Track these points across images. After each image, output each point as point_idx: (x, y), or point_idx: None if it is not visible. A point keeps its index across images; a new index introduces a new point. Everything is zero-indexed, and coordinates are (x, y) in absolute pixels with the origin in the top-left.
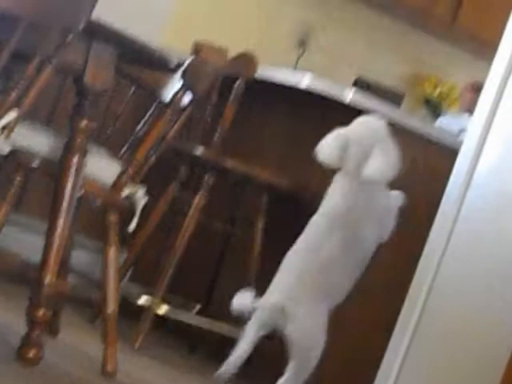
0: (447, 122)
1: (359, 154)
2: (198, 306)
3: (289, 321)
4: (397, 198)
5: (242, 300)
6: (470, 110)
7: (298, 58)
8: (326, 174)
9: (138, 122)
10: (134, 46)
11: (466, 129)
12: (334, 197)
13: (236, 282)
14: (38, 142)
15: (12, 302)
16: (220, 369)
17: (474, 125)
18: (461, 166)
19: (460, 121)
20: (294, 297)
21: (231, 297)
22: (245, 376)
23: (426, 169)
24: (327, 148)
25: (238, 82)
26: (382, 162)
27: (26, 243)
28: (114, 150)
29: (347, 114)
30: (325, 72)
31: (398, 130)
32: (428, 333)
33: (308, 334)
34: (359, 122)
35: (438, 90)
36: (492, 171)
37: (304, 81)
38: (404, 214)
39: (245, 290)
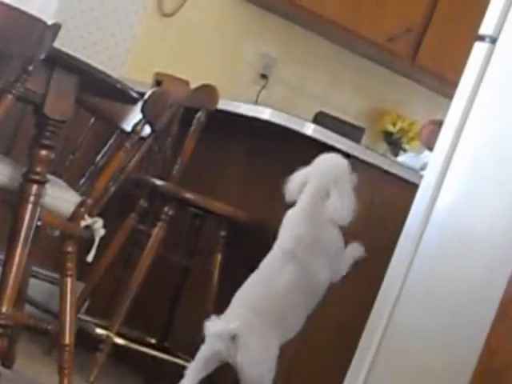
0: (409, 160)
1: (316, 190)
2: (154, 340)
3: (240, 350)
4: (355, 249)
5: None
6: (429, 146)
7: (260, 92)
8: (286, 208)
9: (98, 153)
10: (95, 77)
11: (426, 166)
12: (287, 231)
13: (194, 315)
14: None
15: None
16: None
17: (433, 161)
18: (420, 203)
19: (421, 158)
20: (246, 327)
21: (188, 329)
22: None
23: (385, 204)
24: (291, 184)
25: (199, 114)
26: (342, 203)
27: None
28: (73, 180)
29: (308, 147)
30: (286, 106)
31: (358, 165)
32: (383, 375)
33: (259, 365)
34: (322, 159)
35: (398, 126)
36: (451, 209)
37: (265, 114)
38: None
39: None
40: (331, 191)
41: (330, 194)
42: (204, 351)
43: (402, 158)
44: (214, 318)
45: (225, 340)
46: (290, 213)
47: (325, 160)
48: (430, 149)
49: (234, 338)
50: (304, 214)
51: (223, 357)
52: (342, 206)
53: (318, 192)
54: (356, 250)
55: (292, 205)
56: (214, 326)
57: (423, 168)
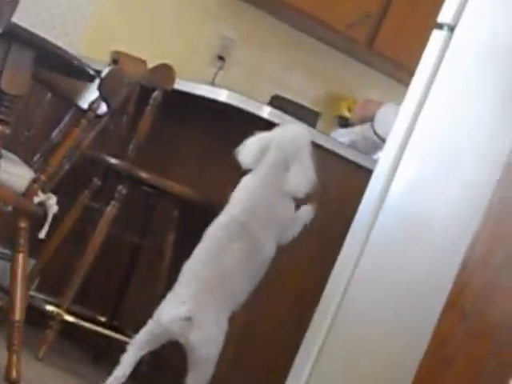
0: (340, 135)
1: (277, 159)
2: (104, 318)
3: (194, 330)
4: (307, 211)
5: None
6: (362, 119)
7: (216, 73)
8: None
9: (53, 130)
10: (52, 52)
11: (354, 141)
12: (237, 199)
13: (145, 295)
14: None
15: None
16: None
17: (388, 147)
18: (373, 189)
19: (350, 135)
20: (198, 307)
21: (139, 309)
22: None
23: (339, 189)
24: (247, 148)
25: (155, 93)
26: (302, 176)
27: None
28: (27, 156)
29: (264, 129)
30: (242, 88)
31: (312, 149)
32: (332, 359)
33: (211, 343)
34: (284, 129)
35: (353, 111)
36: (404, 195)
37: (221, 96)
38: (315, 234)
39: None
40: (291, 162)
41: (290, 165)
42: (152, 327)
43: (334, 132)
44: (163, 302)
45: (178, 321)
46: (246, 181)
47: (287, 130)
48: (363, 121)
49: (186, 319)
50: (261, 183)
51: (174, 336)
52: (302, 177)
53: (277, 162)
54: (307, 214)
55: (245, 167)
56: (166, 313)
57: (352, 144)
